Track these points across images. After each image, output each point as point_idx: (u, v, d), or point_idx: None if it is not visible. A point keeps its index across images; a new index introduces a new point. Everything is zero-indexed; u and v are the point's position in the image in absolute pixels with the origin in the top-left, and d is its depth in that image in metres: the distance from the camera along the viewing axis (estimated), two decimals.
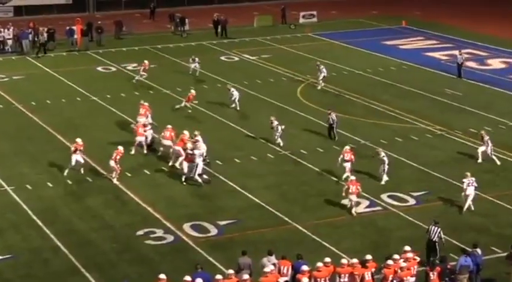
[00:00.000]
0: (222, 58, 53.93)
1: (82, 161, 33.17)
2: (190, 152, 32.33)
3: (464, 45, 56.13)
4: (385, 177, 32.74)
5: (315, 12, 67.14)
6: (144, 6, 69.66)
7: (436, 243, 25.85)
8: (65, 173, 32.86)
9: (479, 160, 34.61)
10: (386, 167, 32.66)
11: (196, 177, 32.15)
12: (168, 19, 63.33)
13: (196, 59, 48.44)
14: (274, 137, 36.23)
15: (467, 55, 52.05)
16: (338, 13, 69.68)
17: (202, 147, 33.47)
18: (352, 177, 30.34)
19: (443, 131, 38.78)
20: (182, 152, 33.40)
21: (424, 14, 68.78)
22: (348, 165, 32.77)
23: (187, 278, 22.28)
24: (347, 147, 33.62)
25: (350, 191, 29.75)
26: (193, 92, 41.37)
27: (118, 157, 32.45)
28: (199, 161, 32.20)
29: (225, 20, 61.07)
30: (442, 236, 25.96)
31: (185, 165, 32.49)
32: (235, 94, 41.75)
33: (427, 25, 63.98)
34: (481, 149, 34.80)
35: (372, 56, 54.46)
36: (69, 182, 32.50)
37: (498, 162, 34.63)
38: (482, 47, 56.82)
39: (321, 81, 45.89)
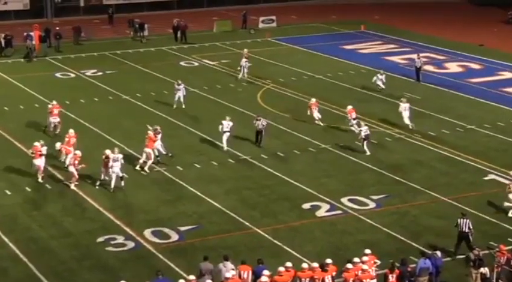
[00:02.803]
0: (182, 63, 53.83)
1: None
2: (110, 162, 31.79)
3: (423, 49, 56.60)
4: (365, 148, 35.84)
5: (274, 17, 67.32)
6: (102, 12, 69.27)
7: (469, 234, 26.38)
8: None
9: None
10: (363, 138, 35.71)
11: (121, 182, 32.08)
12: (127, 25, 63.06)
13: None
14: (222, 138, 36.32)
15: (425, 59, 52.43)
16: (297, 18, 69.91)
17: (158, 142, 34.26)
18: None
19: (402, 135, 39.04)
20: (152, 155, 33.45)
21: (382, 19, 69.24)
22: (354, 122, 36.56)
23: None
24: (349, 107, 37.78)
25: (509, 189, 29.95)
26: (313, 100, 40.77)
27: (77, 162, 32.24)
28: (118, 171, 31.84)
29: (185, 25, 61.01)
30: (471, 226, 26.46)
31: (103, 170, 32.28)
32: (181, 91, 41.92)
33: (385, 29, 64.43)
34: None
35: (331, 60, 54.68)
36: (28, 189, 32.20)
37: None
38: (440, 51, 57.38)
39: (381, 84, 46.54)
